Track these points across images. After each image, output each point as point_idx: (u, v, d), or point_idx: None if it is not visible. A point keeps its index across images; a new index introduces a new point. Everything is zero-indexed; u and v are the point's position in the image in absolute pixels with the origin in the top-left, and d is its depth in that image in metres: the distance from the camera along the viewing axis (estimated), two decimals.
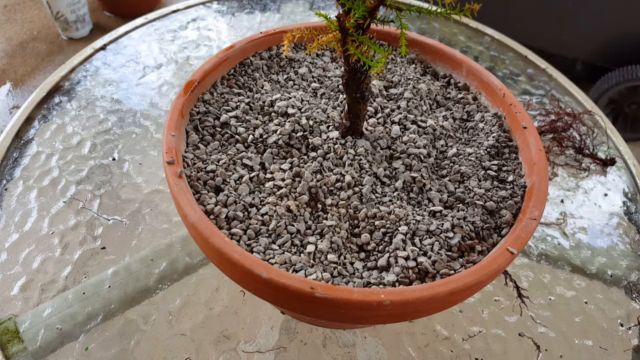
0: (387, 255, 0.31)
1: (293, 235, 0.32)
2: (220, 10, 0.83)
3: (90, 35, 1.75)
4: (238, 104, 0.40)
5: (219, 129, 0.38)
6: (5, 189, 0.53)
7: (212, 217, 0.31)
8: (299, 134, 0.37)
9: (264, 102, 0.40)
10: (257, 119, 0.39)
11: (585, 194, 0.58)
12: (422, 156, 0.37)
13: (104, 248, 0.48)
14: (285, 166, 0.35)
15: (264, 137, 0.37)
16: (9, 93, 1.53)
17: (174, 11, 0.81)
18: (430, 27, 0.83)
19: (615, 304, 0.47)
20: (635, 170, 0.61)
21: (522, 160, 0.37)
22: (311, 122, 0.38)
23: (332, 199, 0.34)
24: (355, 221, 0.33)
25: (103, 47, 0.73)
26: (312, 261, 0.30)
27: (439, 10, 0.28)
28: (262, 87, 0.42)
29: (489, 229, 0.32)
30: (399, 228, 0.32)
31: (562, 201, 0.57)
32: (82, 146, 0.58)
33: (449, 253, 0.31)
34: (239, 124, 0.38)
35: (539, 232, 0.53)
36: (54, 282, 0.45)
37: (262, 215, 0.32)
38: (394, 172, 0.36)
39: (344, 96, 0.41)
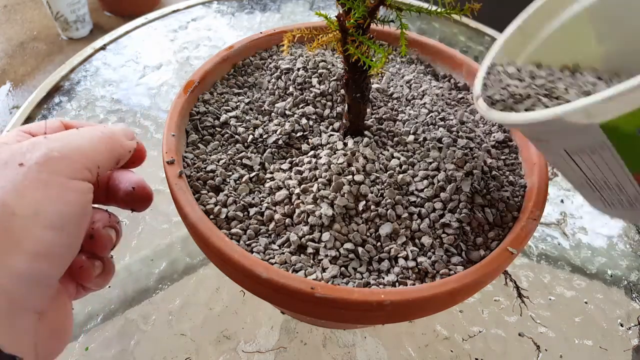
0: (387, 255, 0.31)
1: None
2: (220, 10, 0.83)
3: (90, 35, 1.76)
4: (238, 104, 0.40)
5: (219, 129, 0.38)
6: None
7: (212, 217, 0.31)
8: (299, 134, 0.37)
9: (263, 102, 0.40)
10: (257, 119, 0.39)
11: None
12: None
13: None
14: (285, 166, 0.35)
15: (264, 137, 0.37)
16: (9, 93, 1.53)
17: (174, 11, 0.81)
18: (430, 27, 0.83)
19: (615, 304, 0.47)
20: None
21: (522, 160, 0.37)
22: (311, 122, 0.38)
23: None
24: None
25: (103, 47, 0.73)
26: (312, 261, 0.30)
27: (439, 10, 0.28)
28: None
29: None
30: None
31: (562, 201, 0.57)
32: None
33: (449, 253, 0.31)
34: (239, 123, 0.38)
35: (539, 232, 0.53)
36: None
37: (262, 215, 0.32)
38: None
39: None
